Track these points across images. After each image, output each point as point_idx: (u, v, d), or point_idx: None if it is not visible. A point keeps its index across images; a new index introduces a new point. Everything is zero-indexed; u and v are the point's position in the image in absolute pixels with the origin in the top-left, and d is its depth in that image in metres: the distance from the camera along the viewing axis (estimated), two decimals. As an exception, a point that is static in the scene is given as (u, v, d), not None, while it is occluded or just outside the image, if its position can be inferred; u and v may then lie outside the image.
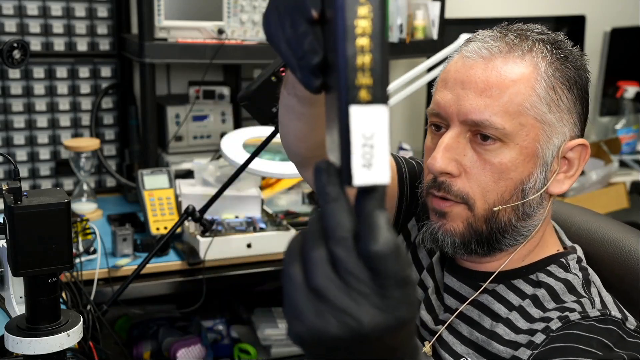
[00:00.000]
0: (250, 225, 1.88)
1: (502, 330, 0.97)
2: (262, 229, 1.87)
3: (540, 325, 0.95)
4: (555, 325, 0.93)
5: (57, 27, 2.19)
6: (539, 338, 0.93)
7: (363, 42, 0.48)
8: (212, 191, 1.71)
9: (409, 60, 2.63)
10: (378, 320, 0.49)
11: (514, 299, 0.99)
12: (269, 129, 1.58)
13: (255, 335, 2.21)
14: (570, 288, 0.98)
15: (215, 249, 1.79)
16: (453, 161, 0.96)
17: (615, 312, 0.94)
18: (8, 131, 2.20)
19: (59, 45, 2.21)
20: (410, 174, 1.15)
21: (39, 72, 2.20)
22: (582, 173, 2.54)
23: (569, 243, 1.08)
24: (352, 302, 0.49)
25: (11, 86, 2.17)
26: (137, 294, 1.78)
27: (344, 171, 0.48)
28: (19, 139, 2.21)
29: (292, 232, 1.88)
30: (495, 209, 0.96)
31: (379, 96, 0.48)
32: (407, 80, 2.17)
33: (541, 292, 0.98)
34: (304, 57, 0.53)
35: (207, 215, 1.72)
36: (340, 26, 0.47)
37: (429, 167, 0.97)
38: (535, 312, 0.96)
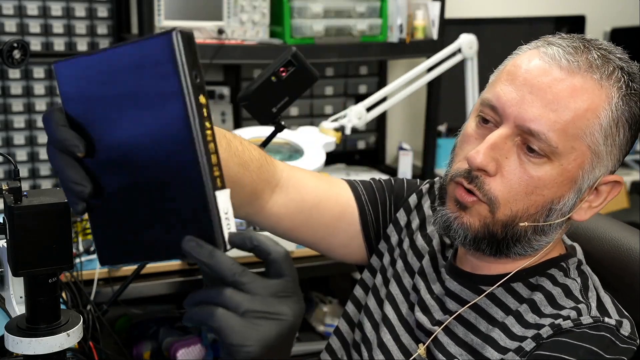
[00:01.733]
0: (250, 225, 1.88)
1: (497, 335, 0.97)
2: (262, 229, 1.87)
3: (532, 332, 0.94)
4: (546, 333, 0.92)
5: (57, 27, 2.19)
6: (529, 345, 0.92)
7: (212, 146, 0.65)
8: (212, 191, 1.71)
9: (409, 60, 2.64)
10: (296, 308, 0.66)
11: (512, 303, 0.99)
12: (269, 129, 1.58)
13: (255, 335, 2.21)
14: (568, 292, 0.97)
15: (215, 249, 1.79)
16: (494, 160, 0.93)
17: (609, 318, 0.93)
18: (8, 131, 2.20)
19: (59, 45, 2.20)
20: (367, 190, 1.16)
21: (39, 72, 2.20)
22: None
23: (568, 242, 1.07)
24: (277, 305, 0.65)
25: (11, 86, 2.17)
26: (137, 294, 1.78)
27: (219, 239, 0.65)
28: (19, 139, 2.21)
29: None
30: (522, 224, 0.95)
31: (224, 182, 0.66)
32: (407, 80, 2.17)
33: (538, 297, 0.97)
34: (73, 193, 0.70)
35: (207, 215, 1.71)
36: (198, 136, 0.64)
37: (469, 159, 0.94)
38: (531, 318, 0.96)
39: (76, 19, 2.21)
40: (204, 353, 2.07)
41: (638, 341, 0.94)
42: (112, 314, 2.16)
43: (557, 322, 0.92)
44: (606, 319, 0.92)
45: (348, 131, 2.01)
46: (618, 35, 2.91)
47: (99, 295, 1.68)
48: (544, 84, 0.91)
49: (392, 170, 2.56)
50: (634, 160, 2.90)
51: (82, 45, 2.23)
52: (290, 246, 1.87)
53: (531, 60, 0.94)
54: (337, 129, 2.00)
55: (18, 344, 0.94)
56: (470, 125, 0.99)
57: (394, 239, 1.17)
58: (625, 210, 2.61)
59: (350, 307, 1.19)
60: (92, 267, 1.72)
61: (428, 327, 1.04)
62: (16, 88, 2.18)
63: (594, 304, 0.96)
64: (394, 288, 1.13)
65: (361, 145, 2.67)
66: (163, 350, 2.09)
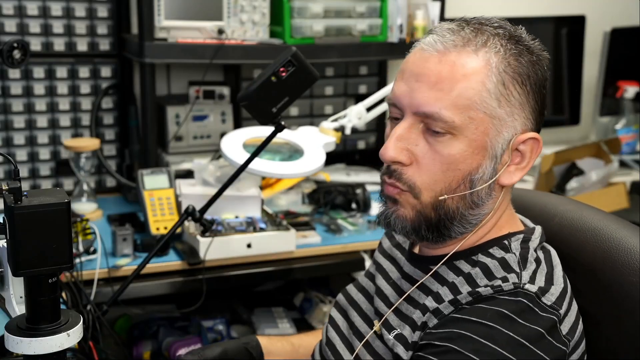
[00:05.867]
0: (250, 225, 1.88)
1: (428, 302, 1.01)
2: (262, 229, 1.87)
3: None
4: (465, 299, 0.97)
5: (57, 27, 2.19)
6: (447, 309, 0.97)
7: None
8: (212, 191, 1.71)
9: (409, 60, 2.63)
10: None
11: (451, 278, 1.03)
12: (269, 129, 1.58)
13: (255, 335, 2.21)
14: (505, 266, 1.00)
15: (215, 249, 1.79)
16: (405, 150, 1.00)
17: (531, 285, 0.95)
18: (8, 131, 2.20)
19: (59, 45, 2.21)
20: None
21: (39, 72, 2.20)
22: (581, 173, 2.54)
23: (530, 225, 1.11)
24: None
25: (11, 86, 2.17)
26: (137, 294, 1.78)
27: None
28: (19, 139, 2.21)
29: (292, 232, 1.88)
30: (442, 197, 1.00)
31: None
32: (407, 80, 2.17)
33: (475, 271, 1.01)
34: None
35: (207, 215, 1.72)
36: None
37: (381, 156, 1.02)
38: (465, 289, 0.99)
39: (76, 19, 2.21)
40: (204, 353, 2.07)
41: (562, 311, 0.96)
42: (112, 314, 2.15)
43: (477, 289, 0.96)
44: (527, 286, 0.95)
45: (348, 131, 2.01)
46: (618, 35, 2.91)
47: (99, 295, 1.68)
48: (426, 69, 0.99)
49: (392, 170, 2.56)
50: (633, 160, 2.90)
51: (82, 45, 2.23)
52: (290, 246, 1.87)
53: (415, 54, 1.02)
54: (337, 129, 2.00)
55: (18, 344, 0.94)
56: (387, 128, 1.07)
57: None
58: (625, 210, 2.60)
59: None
60: (92, 267, 1.72)
61: (382, 310, 1.11)
62: (16, 88, 2.18)
63: (526, 273, 0.98)
64: (356, 294, 1.23)
65: (361, 145, 2.67)
66: (163, 350, 2.09)
